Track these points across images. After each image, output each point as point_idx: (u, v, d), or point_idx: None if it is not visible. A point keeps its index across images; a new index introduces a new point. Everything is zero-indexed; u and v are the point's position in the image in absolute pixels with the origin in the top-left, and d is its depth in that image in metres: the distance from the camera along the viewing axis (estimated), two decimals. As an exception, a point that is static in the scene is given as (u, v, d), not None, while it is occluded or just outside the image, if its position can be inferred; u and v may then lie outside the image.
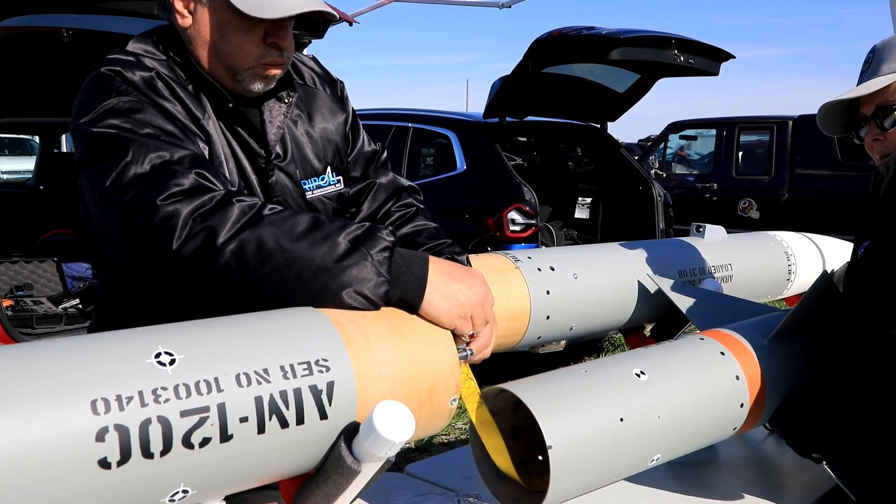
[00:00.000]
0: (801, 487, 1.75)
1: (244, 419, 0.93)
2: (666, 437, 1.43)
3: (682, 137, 9.84)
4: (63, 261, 4.85)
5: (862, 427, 1.47)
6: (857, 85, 1.65)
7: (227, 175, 1.33)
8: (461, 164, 5.04)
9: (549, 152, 6.21)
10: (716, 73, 4.94)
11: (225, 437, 0.92)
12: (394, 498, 1.64)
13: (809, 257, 2.45)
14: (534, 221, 4.59)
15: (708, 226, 2.25)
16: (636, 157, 7.33)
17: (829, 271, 1.53)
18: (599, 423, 1.34)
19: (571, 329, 1.80)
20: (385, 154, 1.67)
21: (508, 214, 4.57)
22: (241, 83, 1.34)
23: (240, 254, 1.09)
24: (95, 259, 1.38)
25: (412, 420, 0.97)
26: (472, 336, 1.20)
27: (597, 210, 5.90)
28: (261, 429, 0.94)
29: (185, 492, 0.92)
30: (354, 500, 1.09)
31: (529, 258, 1.75)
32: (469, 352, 1.22)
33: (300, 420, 0.97)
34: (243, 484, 0.99)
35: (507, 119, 5.09)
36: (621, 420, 1.36)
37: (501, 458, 1.36)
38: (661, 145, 9.70)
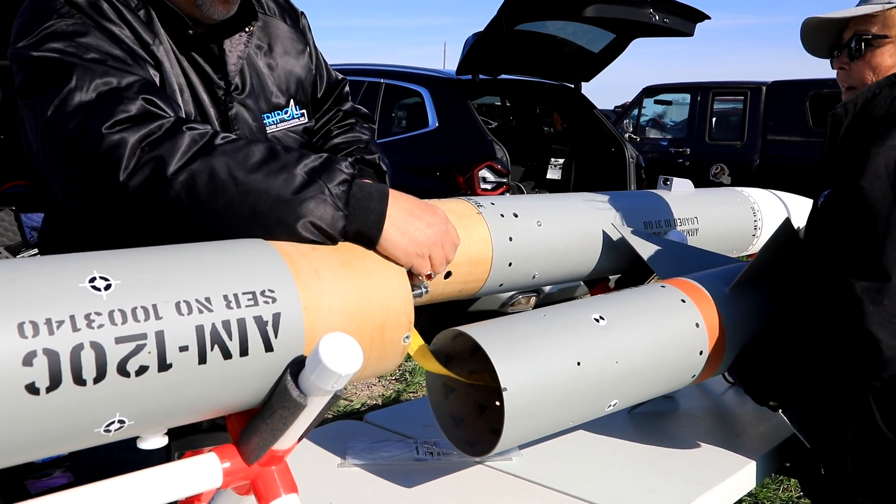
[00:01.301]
0: (759, 436, 1.77)
1: (184, 348, 0.90)
2: (623, 383, 1.42)
3: (656, 102, 9.83)
4: (22, 211, 4.73)
5: (817, 375, 1.47)
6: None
7: (184, 105, 1.27)
8: (433, 122, 4.98)
9: (523, 112, 6.16)
10: (690, 34, 4.91)
11: (163, 366, 0.88)
12: (351, 445, 1.62)
13: (776, 213, 2.45)
14: (505, 180, 4.56)
15: (675, 179, 2.24)
16: (611, 121, 7.31)
17: (789, 219, 1.52)
18: (556, 367, 1.32)
19: (534, 277, 1.78)
20: (347, 86, 1.63)
21: (480, 172, 4.53)
22: (200, 8, 1.27)
23: (191, 185, 1.05)
24: (38, 194, 1.33)
25: (359, 352, 0.95)
26: (428, 276, 1.17)
27: (569, 171, 5.88)
28: (202, 359, 0.91)
29: (121, 422, 0.88)
30: (302, 436, 1.07)
31: (493, 204, 1.72)
32: (424, 290, 1.19)
33: (244, 351, 0.94)
34: (185, 416, 0.96)
35: (481, 76, 5.02)
36: (578, 364, 1.35)
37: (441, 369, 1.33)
38: (636, 109, 9.67)
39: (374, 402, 4.38)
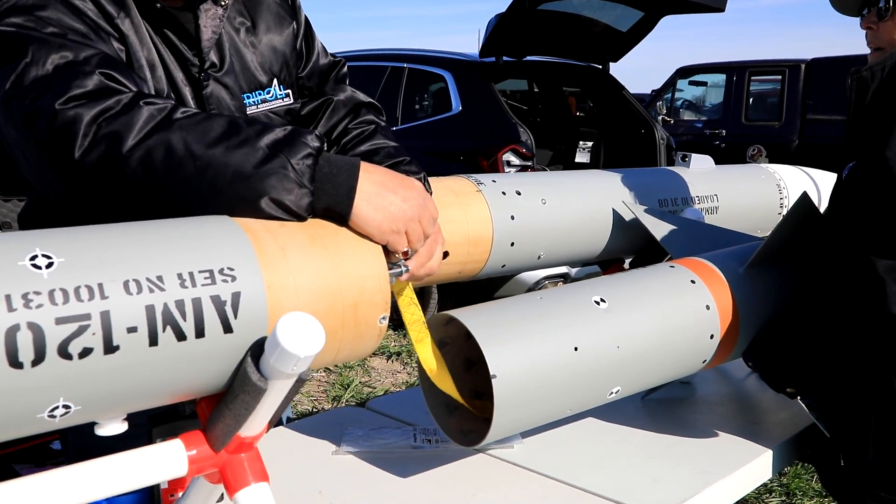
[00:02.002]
0: (779, 424, 1.67)
1: (133, 329, 0.84)
2: (626, 369, 1.34)
3: (691, 83, 9.59)
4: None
5: (836, 359, 1.37)
6: None
7: (157, 83, 1.22)
8: (456, 105, 4.90)
9: (550, 95, 6.04)
10: (722, 9, 4.75)
11: (110, 348, 0.83)
12: (348, 432, 1.57)
13: (804, 190, 2.33)
14: (530, 163, 4.47)
15: (694, 155, 2.14)
16: (643, 104, 7.15)
17: (807, 193, 1.42)
18: (551, 352, 1.25)
19: (540, 258, 1.71)
20: (345, 68, 1.56)
21: (503, 156, 4.44)
22: None
23: (147, 162, 1.00)
24: (17, 175, 1.29)
25: (321, 333, 0.89)
26: (405, 253, 1.11)
27: (598, 154, 5.76)
28: (153, 340, 0.86)
29: (66, 407, 0.84)
30: (274, 422, 1.02)
31: (494, 181, 1.65)
32: (404, 269, 1.13)
33: (200, 332, 0.89)
34: (141, 401, 0.92)
35: (505, 59, 4.92)
36: (575, 349, 1.27)
37: (446, 385, 1.28)
38: (669, 91, 9.46)
39: (398, 390, 4.34)
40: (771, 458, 1.51)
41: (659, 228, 1.76)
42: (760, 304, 1.52)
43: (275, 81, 1.40)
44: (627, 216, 1.83)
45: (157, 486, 1.23)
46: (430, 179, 1.62)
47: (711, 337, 1.45)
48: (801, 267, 1.56)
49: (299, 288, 0.97)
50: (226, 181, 1.00)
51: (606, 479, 1.39)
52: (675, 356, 1.41)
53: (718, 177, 2.15)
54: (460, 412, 1.38)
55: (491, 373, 1.19)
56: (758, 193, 2.23)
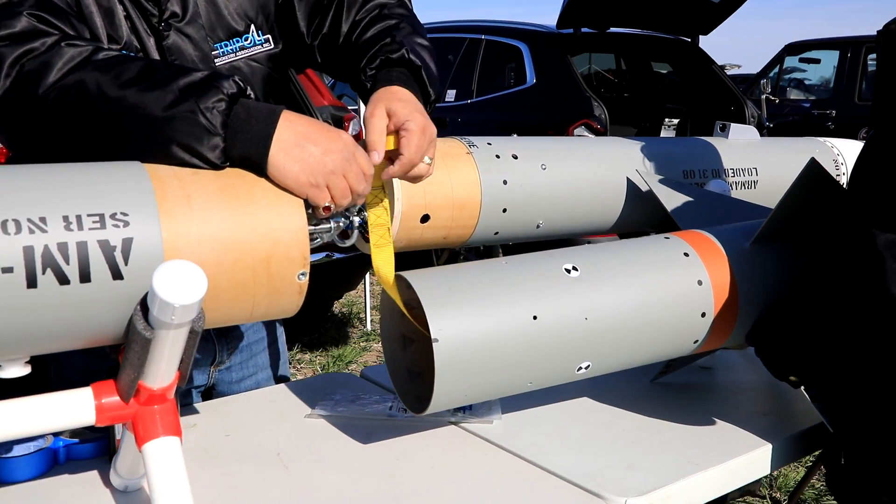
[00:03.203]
0: (792, 416, 1.53)
1: (8, 270, 0.83)
2: (596, 343, 1.25)
3: (801, 60, 9.01)
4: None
5: (843, 347, 1.23)
6: None
7: (116, 32, 1.21)
8: (531, 78, 4.78)
9: (635, 69, 5.81)
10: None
11: (-17, 287, 0.83)
12: (327, 397, 1.54)
13: (812, 156, 2.10)
14: (603, 139, 4.30)
15: (734, 125, 1.98)
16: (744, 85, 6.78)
17: (814, 159, 1.27)
18: (505, 320, 1.17)
19: (539, 227, 1.61)
20: None
21: (575, 131, 4.30)
22: None
23: (61, 103, 0.99)
24: None
25: (202, 281, 0.85)
26: (326, 209, 1.05)
27: (684, 132, 5.50)
28: (31, 282, 0.85)
29: (-57, 345, 0.84)
30: (185, 375, 0.99)
31: (489, 144, 1.56)
32: (335, 225, 1.08)
33: (85, 277, 0.87)
34: (32, 343, 0.91)
35: (585, 30, 4.76)
36: (535, 318, 1.19)
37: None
38: (776, 68, 8.93)
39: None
40: (770, 453, 1.38)
41: (672, 200, 1.63)
42: (766, 282, 1.38)
43: (252, 27, 1.36)
44: (642, 186, 1.71)
45: (113, 435, 1.24)
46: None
47: (703, 315, 1.33)
48: (811, 242, 1.41)
49: (203, 237, 0.94)
50: (135, 124, 0.98)
51: (577, 461, 1.30)
52: (658, 333, 1.30)
53: (761, 149, 1.98)
54: (424, 379, 1.32)
55: (432, 336, 1.12)
56: (807, 168, 2.04)
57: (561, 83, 4.58)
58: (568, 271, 1.25)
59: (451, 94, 5.16)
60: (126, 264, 0.89)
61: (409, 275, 1.20)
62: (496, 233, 1.57)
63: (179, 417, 1.03)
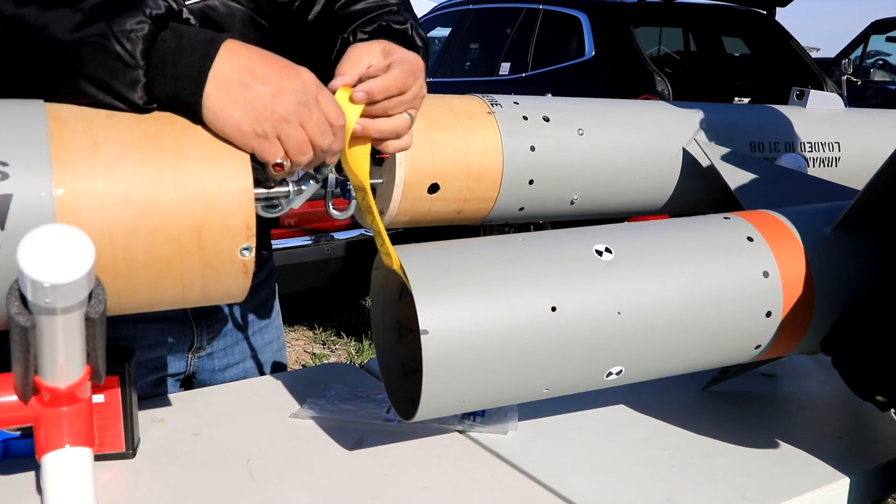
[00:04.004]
0: (874, 442, 1.26)
1: None
2: (630, 344, 1.00)
3: (888, 39, 8.39)
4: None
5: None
6: None
7: None
8: (589, 50, 4.47)
9: (704, 43, 5.44)
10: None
11: None
12: (318, 393, 1.33)
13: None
14: (666, 116, 3.99)
15: (813, 91, 1.69)
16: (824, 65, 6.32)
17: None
18: (516, 311, 0.94)
19: (573, 203, 1.37)
20: None
21: (635, 107, 3.99)
22: None
23: None
24: None
25: (88, 252, 0.64)
26: (278, 167, 0.83)
27: (756, 112, 5.12)
28: None
29: None
30: (97, 369, 0.79)
31: (516, 103, 1.32)
32: (289, 190, 0.86)
33: (-54, 242, 0.67)
34: None
35: (650, 0, 4.43)
36: (553, 309, 0.95)
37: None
38: (859, 48, 8.33)
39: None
40: (847, 489, 1.11)
41: (736, 176, 1.37)
42: (849, 277, 1.11)
43: None
44: (702, 160, 1.44)
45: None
46: (437, 97, 1.33)
47: (768, 315, 1.07)
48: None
49: (110, 196, 0.73)
50: (36, 51, 0.77)
51: (602, 488, 1.06)
52: (709, 335, 1.05)
53: (845, 120, 1.69)
54: (417, 377, 1.10)
55: (421, 327, 0.90)
56: (901, 144, 1.73)
57: (621, 55, 4.26)
58: (599, 253, 1.01)
59: (504, 68, 4.89)
60: (2, 229, 0.69)
61: (405, 249, 0.97)
62: (521, 208, 1.33)
63: (94, 422, 0.83)
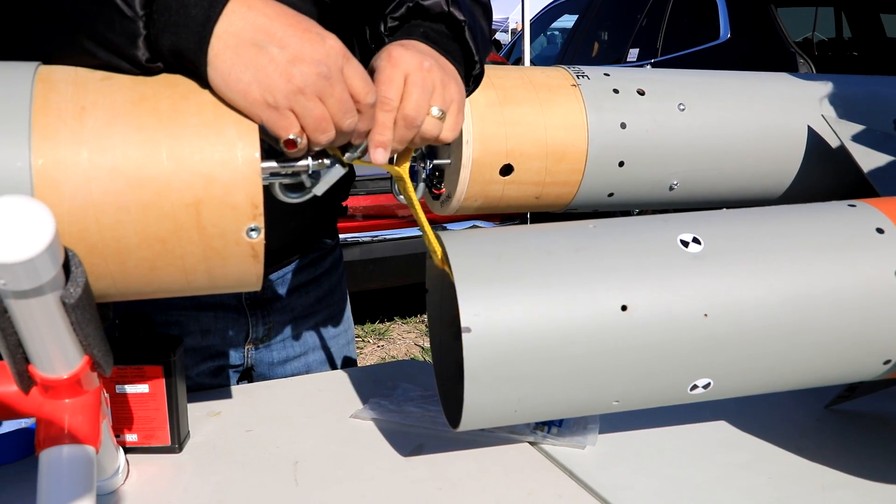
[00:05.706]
0: None
1: None
2: (719, 353, 0.84)
3: None
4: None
5: None
6: None
7: None
8: (725, 32, 4.16)
9: (860, 21, 4.95)
10: None
11: None
12: (382, 393, 1.23)
13: None
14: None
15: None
16: None
17: None
18: (577, 309, 0.80)
19: (673, 188, 1.19)
20: None
21: (774, 92, 3.66)
22: None
23: None
24: None
25: (47, 227, 0.56)
26: (290, 143, 0.72)
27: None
28: None
29: None
30: (95, 357, 0.72)
31: (607, 75, 1.16)
32: (308, 164, 0.76)
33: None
34: None
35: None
36: (623, 309, 0.81)
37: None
38: None
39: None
40: None
41: (871, 158, 1.15)
42: None
43: None
44: (832, 140, 1.24)
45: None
46: (517, 68, 1.20)
47: (902, 324, 0.87)
48: None
49: (97, 168, 0.66)
50: (40, 6, 0.71)
51: (687, 520, 0.90)
52: (823, 346, 0.87)
53: None
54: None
55: (463, 325, 0.78)
56: None
57: (760, 36, 3.92)
58: (685, 244, 0.85)
59: (633, 54, 4.64)
60: (-24, 201, 0.63)
61: (448, 236, 0.86)
62: (610, 194, 1.18)
63: (100, 418, 0.76)
